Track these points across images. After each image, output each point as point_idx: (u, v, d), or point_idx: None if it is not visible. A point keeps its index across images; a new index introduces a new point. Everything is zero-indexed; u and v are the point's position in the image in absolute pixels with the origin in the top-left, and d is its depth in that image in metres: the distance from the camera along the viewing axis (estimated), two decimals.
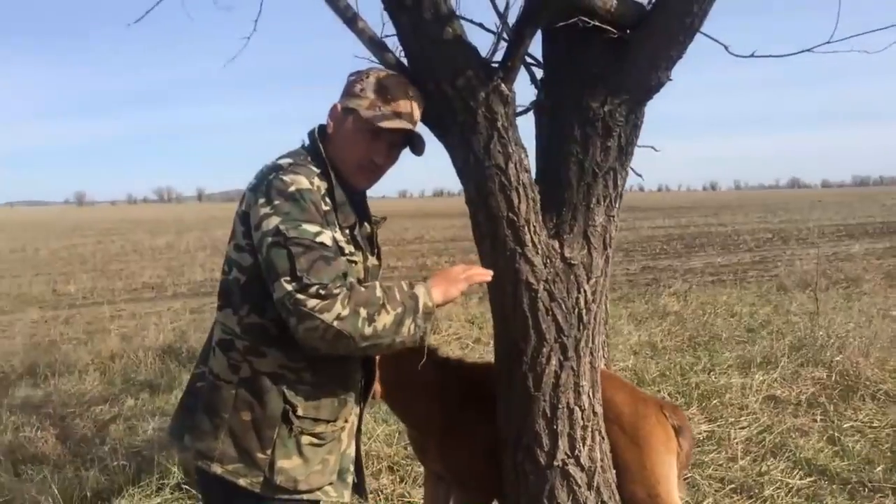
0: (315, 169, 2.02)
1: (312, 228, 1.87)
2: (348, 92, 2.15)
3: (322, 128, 2.18)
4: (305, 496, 2.01)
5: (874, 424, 5.19)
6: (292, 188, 1.90)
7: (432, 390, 2.86)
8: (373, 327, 1.85)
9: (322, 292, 1.81)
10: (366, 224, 2.23)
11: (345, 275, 1.90)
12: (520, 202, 2.52)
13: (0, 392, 6.50)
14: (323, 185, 2.00)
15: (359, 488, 2.23)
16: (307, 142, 2.16)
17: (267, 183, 1.91)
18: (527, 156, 2.59)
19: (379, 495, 4.24)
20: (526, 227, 2.53)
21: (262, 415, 1.95)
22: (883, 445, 4.78)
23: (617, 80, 2.56)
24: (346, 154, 2.10)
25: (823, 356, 6.51)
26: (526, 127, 2.89)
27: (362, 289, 1.90)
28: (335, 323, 1.80)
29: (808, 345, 6.91)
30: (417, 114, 2.21)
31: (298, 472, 1.98)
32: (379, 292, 1.91)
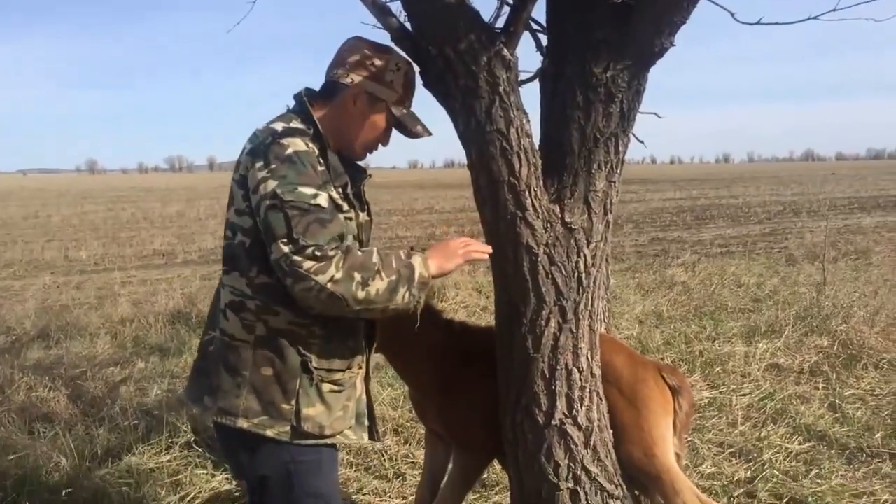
0: (308, 131, 2.07)
1: (309, 191, 1.93)
2: (376, 77, 2.16)
3: (310, 91, 2.20)
4: (329, 440, 2.10)
5: (876, 392, 5.24)
6: (289, 150, 1.96)
7: (434, 352, 2.92)
8: (366, 292, 1.93)
9: (318, 254, 1.88)
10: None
11: (341, 236, 1.97)
12: (521, 167, 2.54)
13: (13, 354, 6.60)
14: (316, 147, 2.05)
15: (371, 431, 2.30)
16: (292, 105, 2.20)
17: (265, 147, 1.97)
18: (528, 121, 2.61)
19: (383, 455, 4.32)
20: (527, 192, 2.56)
21: (283, 368, 2.04)
22: (883, 412, 4.83)
23: (620, 46, 2.56)
24: (357, 133, 2.19)
25: (828, 326, 6.53)
26: (530, 94, 2.91)
27: (359, 253, 1.97)
28: (329, 285, 1.88)
29: (814, 314, 6.92)
30: None
31: (323, 419, 2.07)
32: (375, 258, 1.98)
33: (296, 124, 2.07)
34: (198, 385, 2.14)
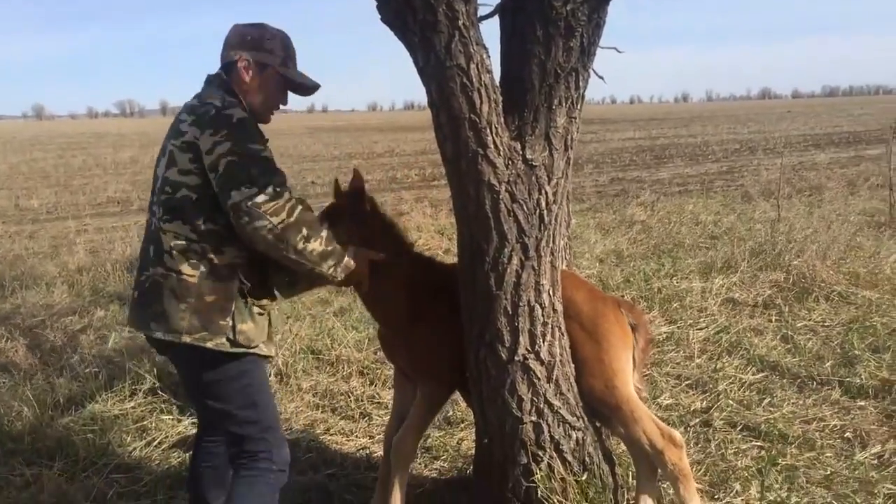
0: (240, 104, 2.46)
1: (258, 146, 2.37)
2: (258, 47, 2.54)
3: (226, 73, 2.54)
4: (254, 350, 2.52)
5: (826, 323, 5.41)
6: (235, 118, 2.36)
7: (402, 283, 2.93)
8: (304, 246, 2.37)
9: (277, 190, 2.31)
10: None
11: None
12: (482, 103, 2.52)
13: None
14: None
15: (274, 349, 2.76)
16: (205, 86, 2.55)
17: (210, 118, 2.36)
18: (489, 56, 2.57)
19: (349, 396, 4.37)
20: (488, 129, 2.54)
21: (224, 294, 2.44)
22: (833, 342, 5.00)
23: None
24: (263, 101, 2.59)
25: (782, 260, 6.69)
26: (490, 31, 2.86)
27: (313, 214, 2.43)
28: (279, 226, 2.30)
29: (768, 250, 7.07)
30: None
31: (252, 333, 2.50)
32: (324, 226, 2.47)
33: (230, 98, 2.44)
34: (143, 314, 2.49)
